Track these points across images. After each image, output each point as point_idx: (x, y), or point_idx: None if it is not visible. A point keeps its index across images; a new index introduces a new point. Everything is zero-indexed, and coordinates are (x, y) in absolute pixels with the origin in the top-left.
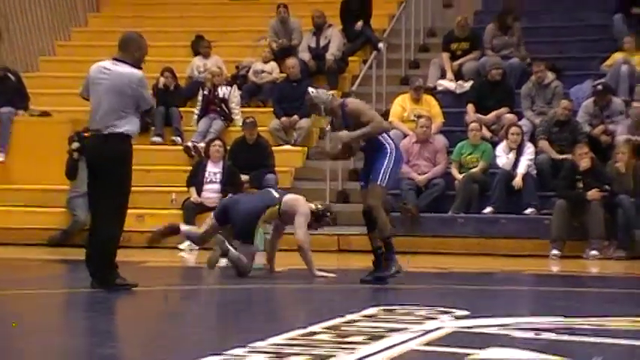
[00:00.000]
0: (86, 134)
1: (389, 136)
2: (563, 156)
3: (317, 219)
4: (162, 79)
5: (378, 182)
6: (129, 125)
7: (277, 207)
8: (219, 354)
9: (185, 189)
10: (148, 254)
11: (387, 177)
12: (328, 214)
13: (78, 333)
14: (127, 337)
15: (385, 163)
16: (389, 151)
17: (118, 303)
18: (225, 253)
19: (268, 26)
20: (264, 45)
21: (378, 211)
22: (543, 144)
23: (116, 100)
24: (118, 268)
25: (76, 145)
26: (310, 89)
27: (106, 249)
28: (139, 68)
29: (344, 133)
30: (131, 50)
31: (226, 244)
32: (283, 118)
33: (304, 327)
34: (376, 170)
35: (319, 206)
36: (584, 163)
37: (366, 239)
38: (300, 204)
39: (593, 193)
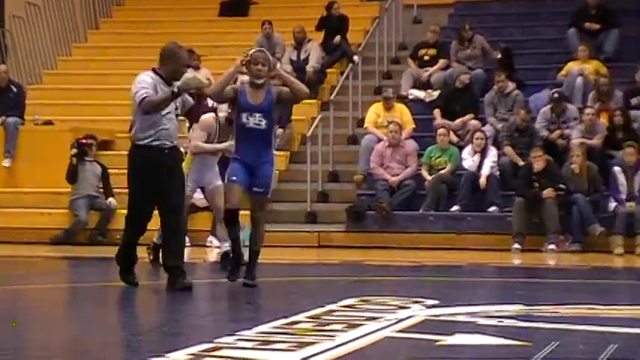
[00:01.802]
0: (84, 141)
1: None
2: (522, 163)
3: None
4: None
5: (269, 195)
6: (137, 132)
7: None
8: (211, 342)
9: None
10: (144, 251)
11: (272, 187)
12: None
13: (81, 323)
14: (126, 326)
15: (272, 172)
16: (274, 161)
17: (119, 296)
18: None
19: (254, 41)
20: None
21: (263, 222)
22: (508, 150)
23: (132, 109)
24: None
25: (74, 151)
26: (278, 65)
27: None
28: (174, 78)
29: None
30: (166, 62)
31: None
32: None
33: (287, 317)
34: (266, 182)
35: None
36: (538, 165)
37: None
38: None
39: (547, 192)
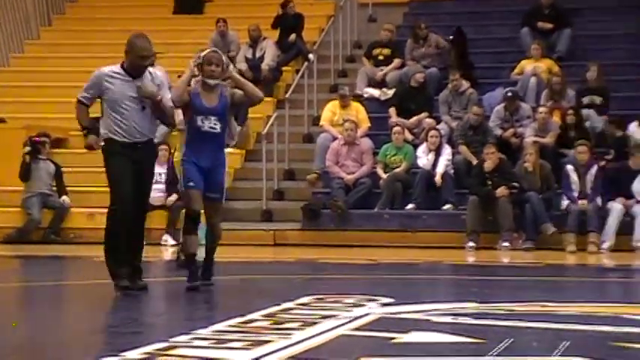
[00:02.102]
0: (37, 139)
1: None
2: (476, 161)
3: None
4: None
5: (224, 201)
6: (102, 127)
7: None
8: (166, 341)
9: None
10: (99, 249)
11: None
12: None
13: (35, 322)
14: (80, 325)
15: (225, 178)
16: (226, 162)
17: (73, 295)
18: None
19: (209, 39)
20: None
21: (219, 223)
22: (462, 148)
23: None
24: (114, 266)
25: (27, 149)
26: (231, 67)
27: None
28: (135, 70)
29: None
30: (126, 54)
31: None
32: None
33: (243, 315)
34: (221, 187)
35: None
36: (490, 162)
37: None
38: None
39: (501, 190)
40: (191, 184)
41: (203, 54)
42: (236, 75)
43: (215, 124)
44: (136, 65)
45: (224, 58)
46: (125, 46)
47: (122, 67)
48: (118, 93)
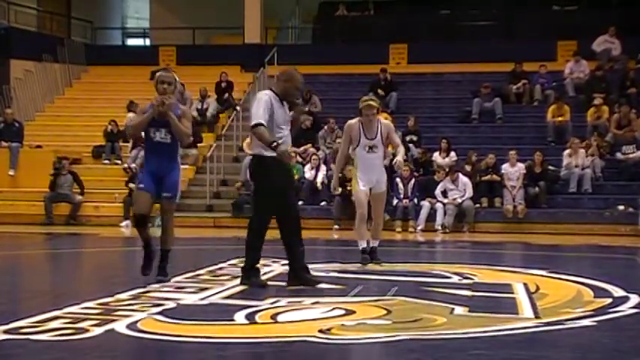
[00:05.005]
0: (62, 160)
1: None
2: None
3: None
4: (109, 127)
5: (177, 200)
6: (255, 147)
7: None
8: (144, 287)
9: (124, 191)
10: (102, 230)
11: (180, 192)
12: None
13: (54, 274)
14: (87, 276)
15: (178, 179)
16: (179, 168)
17: (82, 257)
18: None
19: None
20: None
21: (171, 224)
22: (332, 167)
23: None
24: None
25: (53, 171)
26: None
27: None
28: (288, 96)
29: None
30: (281, 80)
31: None
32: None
33: (194, 270)
34: (173, 186)
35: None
36: (349, 176)
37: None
38: None
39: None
40: (141, 186)
41: (157, 74)
42: (172, 115)
43: (166, 135)
44: (291, 93)
45: (176, 77)
46: (282, 73)
47: (273, 91)
48: (278, 115)
